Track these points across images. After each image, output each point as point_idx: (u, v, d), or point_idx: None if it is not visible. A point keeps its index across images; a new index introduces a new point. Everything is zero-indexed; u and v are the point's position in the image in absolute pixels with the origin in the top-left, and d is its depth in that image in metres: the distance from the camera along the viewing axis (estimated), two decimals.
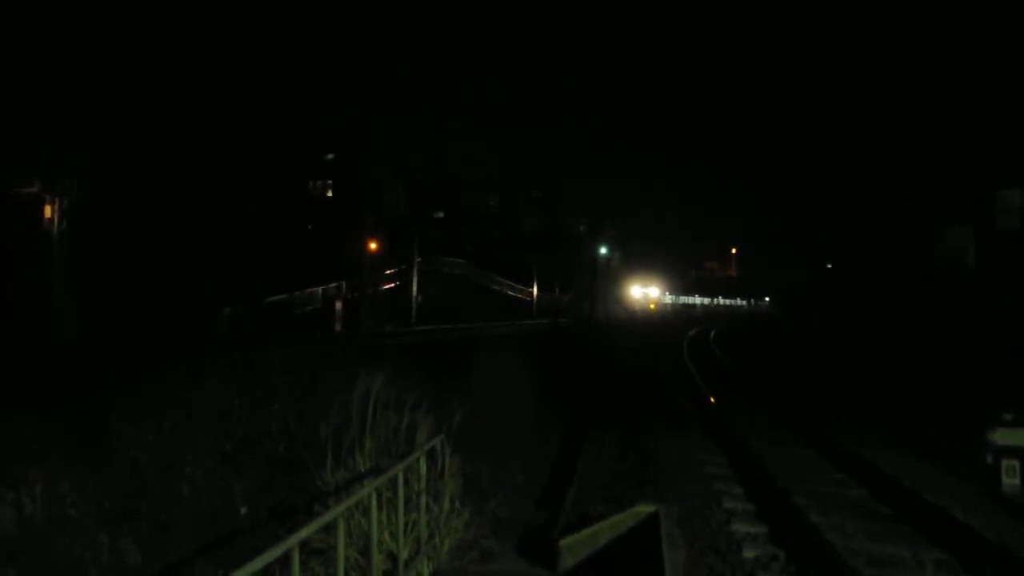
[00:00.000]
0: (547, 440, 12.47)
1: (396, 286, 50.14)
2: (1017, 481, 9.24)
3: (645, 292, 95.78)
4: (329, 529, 4.57)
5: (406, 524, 5.83)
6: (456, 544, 6.62)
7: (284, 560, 3.53)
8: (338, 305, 43.12)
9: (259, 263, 36.35)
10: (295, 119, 41.69)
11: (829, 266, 75.07)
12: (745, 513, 8.50)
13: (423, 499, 6.21)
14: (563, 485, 9.34)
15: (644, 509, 7.10)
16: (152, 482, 6.67)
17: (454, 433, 7.01)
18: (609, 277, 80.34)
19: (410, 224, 52.08)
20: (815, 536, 7.26)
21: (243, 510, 6.78)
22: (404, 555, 5.74)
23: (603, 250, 73.08)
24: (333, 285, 44.14)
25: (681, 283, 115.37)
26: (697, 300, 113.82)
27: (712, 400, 17.46)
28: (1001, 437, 9.39)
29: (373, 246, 44.85)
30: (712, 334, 49.48)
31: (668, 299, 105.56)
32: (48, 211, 22.95)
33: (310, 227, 47.05)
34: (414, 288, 48.15)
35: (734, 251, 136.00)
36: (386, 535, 5.78)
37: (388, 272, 49.63)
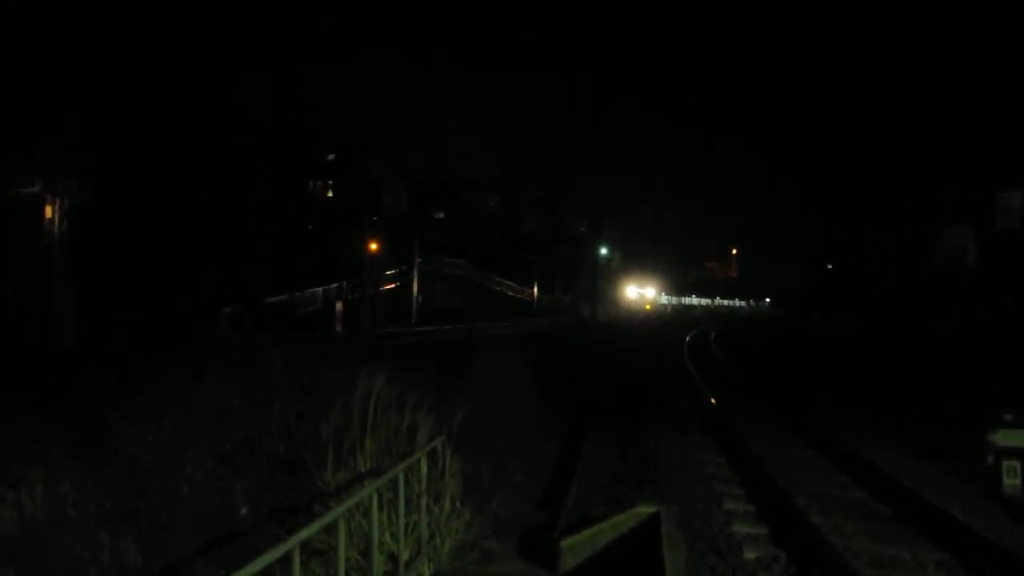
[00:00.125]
0: (547, 440, 12.46)
1: (397, 286, 50.14)
2: (1018, 482, 9.24)
3: (641, 292, 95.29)
4: (330, 530, 4.57)
5: (407, 525, 5.82)
6: (457, 545, 6.62)
7: (285, 561, 3.52)
8: (338, 305, 43.11)
9: (259, 263, 36.34)
10: (295, 119, 41.68)
11: (830, 266, 75.06)
12: (746, 514, 8.49)
13: (424, 500, 6.20)
14: (564, 485, 9.33)
15: (645, 510, 7.09)
16: (152, 482, 6.67)
17: (455, 434, 7.00)
18: (609, 278, 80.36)
19: (410, 224, 52.10)
20: (816, 537, 7.25)
21: (243, 510, 6.77)
22: (405, 556, 5.74)
23: (603, 250, 73.08)
24: (334, 285, 44.13)
25: (681, 283, 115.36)
26: (697, 301, 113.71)
27: (712, 400, 17.46)
28: (1002, 438, 9.39)
29: (373, 246, 44.84)
30: (712, 335, 49.46)
31: (666, 300, 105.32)
32: (49, 211, 22.94)
33: (310, 227, 47.03)
34: (415, 288, 48.15)
35: (734, 251, 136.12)
36: (387, 536, 5.77)
37: (388, 272, 49.64)
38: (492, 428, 10.29)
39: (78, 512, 5.77)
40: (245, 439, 7.60)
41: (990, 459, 9.42)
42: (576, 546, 6.67)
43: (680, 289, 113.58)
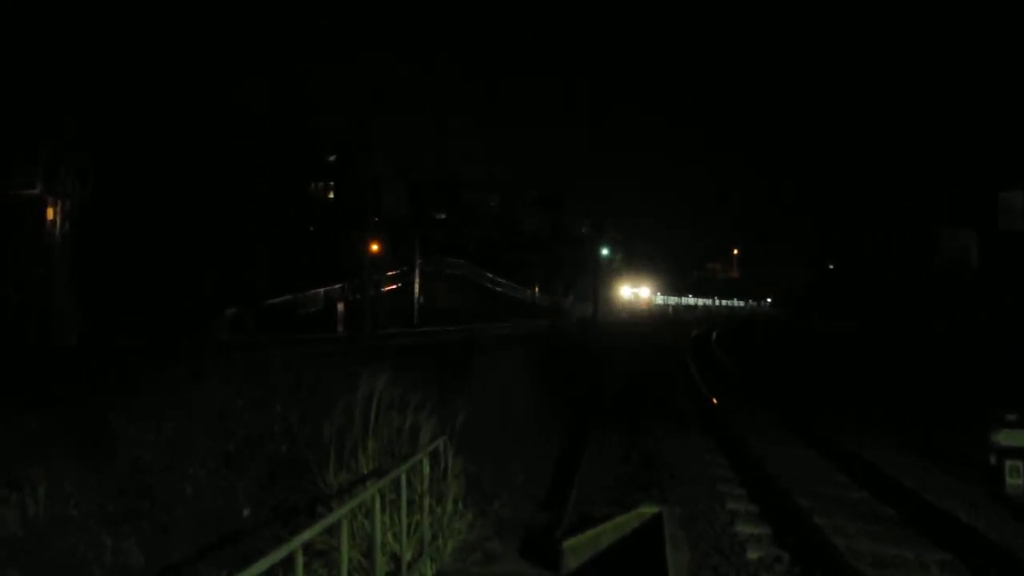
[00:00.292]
0: (549, 440, 12.46)
1: (398, 287, 50.10)
2: (1020, 482, 9.22)
3: (636, 292, 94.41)
4: (332, 531, 4.56)
5: (409, 525, 5.81)
6: (459, 546, 6.61)
7: (287, 562, 3.52)
8: (340, 306, 43.05)
9: (260, 264, 36.32)
10: (295, 119, 41.66)
11: (831, 266, 75.07)
12: (748, 514, 8.48)
13: (426, 500, 6.19)
14: (566, 486, 9.32)
15: (647, 510, 7.08)
16: (154, 482, 6.66)
17: (457, 434, 7.00)
18: (611, 278, 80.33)
19: (411, 225, 52.06)
20: (818, 537, 7.24)
21: (246, 511, 6.76)
22: (407, 557, 5.73)
23: (605, 251, 73.06)
24: (335, 286, 44.08)
25: (683, 284, 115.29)
26: (699, 301, 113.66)
27: (713, 400, 17.45)
28: (1004, 438, 9.37)
29: (375, 247, 44.80)
30: (714, 335, 49.44)
31: (662, 299, 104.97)
32: (50, 213, 22.90)
33: (311, 228, 47.00)
34: (416, 289, 48.12)
35: (735, 252, 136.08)
36: (389, 537, 5.76)
37: (390, 273, 49.59)
38: (494, 428, 10.28)
39: (80, 513, 5.76)
40: (247, 439, 7.59)
41: (993, 459, 9.41)
42: (579, 547, 6.66)
43: (682, 289, 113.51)
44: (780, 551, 7.21)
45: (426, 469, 6.26)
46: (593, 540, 6.76)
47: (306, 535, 3.72)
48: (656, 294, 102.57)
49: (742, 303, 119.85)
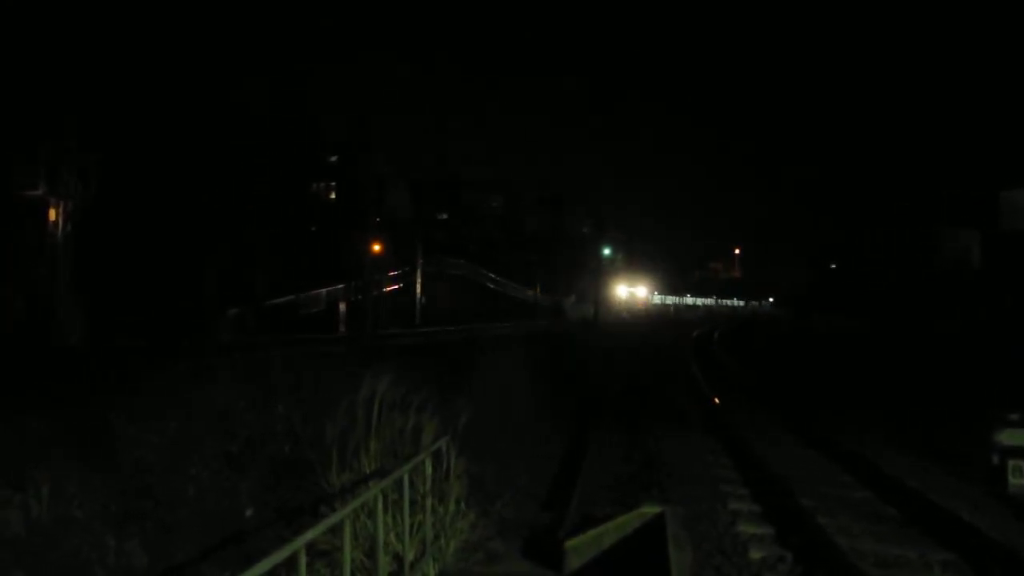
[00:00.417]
0: (551, 440, 12.45)
1: (400, 287, 50.11)
2: (1023, 482, 9.21)
3: (632, 291, 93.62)
4: (335, 531, 4.56)
5: (412, 526, 5.82)
6: (462, 546, 6.61)
7: (290, 561, 3.52)
8: (342, 307, 43.09)
9: (262, 264, 36.34)
10: (296, 119, 41.68)
11: (833, 266, 75.07)
12: (751, 514, 8.48)
13: (429, 501, 6.20)
14: (568, 486, 9.32)
15: (650, 510, 7.08)
16: (157, 483, 6.67)
17: (459, 435, 7.00)
18: (612, 278, 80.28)
19: (413, 225, 52.09)
20: (821, 537, 7.24)
21: (248, 511, 6.77)
22: (410, 557, 5.73)
23: (607, 251, 73.06)
24: (337, 287, 44.11)
25: (684, 283, 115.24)
26: (701, 301, 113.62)
27: (716, 400, 17.45)
28: (1007, 438, 9.35)
29: (376, 247, 44.82)
30: (716, 335, 49.42)
31: (664, 300, 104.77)
32: (52, 214, 22.95)
33: (313, 228, 47.02)
34: (418, 289, 48.13)
35: (737, 251, 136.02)
36: (392, 537, 5.76)
37: (392, 273, 49.60)
38: (496, 428, 10.29)
39: (84, 513, 5.77)
40: (249, 440, 7.61)
41: (995, 459, 9.39)
42: (581, 547, 6.66)
43: (683, 289, 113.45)
44: (783, 551, 7.21)
45: (428, 469, 6.26)
46: (595, 540, 6.75)
47: (309, 535, 3.72)
48: (653, 293, 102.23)
49: (742, 303, 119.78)
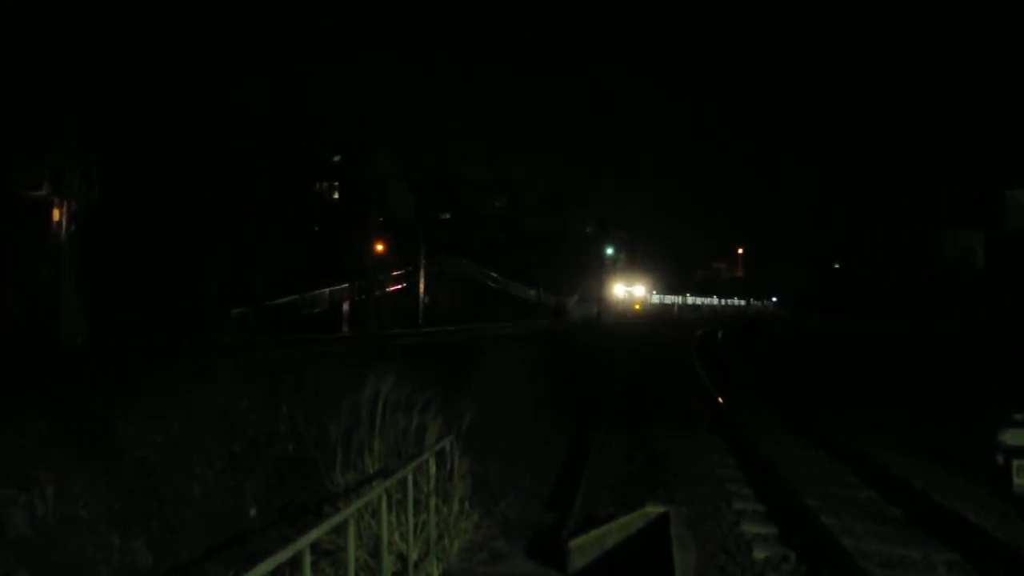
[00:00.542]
0: (554, 440, 12.45)
1: (402, 287, 50.13)
2: None
3: (629, 291, 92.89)
4: (339, 530, 4.57)
5: (416, 525, 5.82)
6: (466, 545, 6.62)
7: (294, 561, 3.52)
8: (345, 307, 43.11)
9: (265, 265, 36.36)
10: (296, 119, 41.69)
11: (836, 266, 75.02)
12: (755, 514, 8.47)
13: (433, 500, 6.20)
14: (571, 486, 9.31)
15: (653, 510, 7.07)
16: (162, 483, 6.69)
17: (463, 435, 7.00)
18: (615, 278, 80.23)
19: (416, 225, 52.11)
20: (826, 537, 7.23)
21: (253, 511, 6.78)
22: (414, 556, 5.74)
23: (609, 250, 73.05)
24: (339, 287, 44.14)
25: (687, 283, 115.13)
26: (703, 300, 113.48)
27: (720, 400, 17.44)
28: (1012, 437, 9.33)
29: (379, 247, 44.85)
30: (719, 334, 49.37)
31: (662, 299, 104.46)
32: (56, 214, 22.97)
33: (316, 228, 47.05)
34: (421, 289, 48.14)
35: (740, 251, 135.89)
36: (396, 536, 5.77)
37: (395, 273, 49.62)
38: (499, 428, 10.29)
39: (89, 513, 5.78)
40: (254, 440, 7.62)
41: (1000, 459, 9.37)
42: (585, 546, 6.66)
43: (686, 289, 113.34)
44: (787, 551, 7.20)
45: (432, 469, 6.27)
46: (599, 540, 6.75)
47: (313, 535, 3.73)
48: (652, 293, 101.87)
49: (747, 302, 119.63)
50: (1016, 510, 8.67)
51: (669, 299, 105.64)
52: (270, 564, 3.23)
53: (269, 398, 8.65)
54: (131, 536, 5.81)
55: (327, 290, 43.38)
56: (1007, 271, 42.00)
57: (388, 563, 5.20)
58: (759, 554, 7.14)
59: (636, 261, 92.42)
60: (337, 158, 50.60)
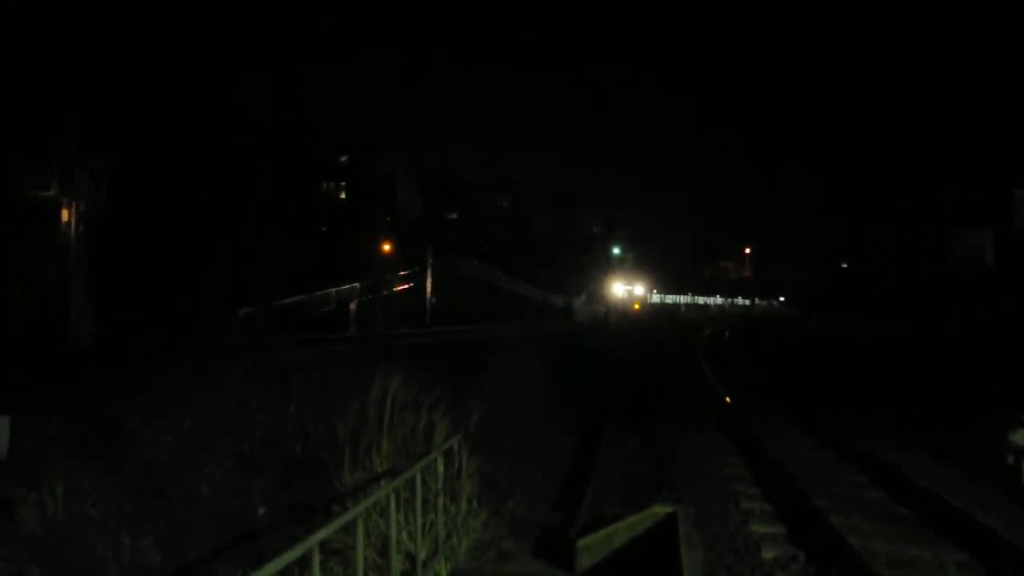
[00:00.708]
0: (563, 439, 12.44)
1: (410, 287, 50.20)
2: None
3: (629, 290, 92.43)
4: (348, 529, 4.57)
5: (424, 524, 5.83)
6: (474, 544, 6.62)
7: (303, 560, 3.53)
8: (352, 307, 43.19)
9: (272, 265, 36.46)
10: (297, 119, 41.77)
11: (844, 265, 74.77)
12: (763, 513, 8.45)
13: (441, 500, 6.20)
14: (579, 486, 9.31)
15: (661, 510, 7.06)
16: (171, 482, 6.71)
17: (471, 434, 7.00)
18: (623, 278, 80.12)
19: (423, 225, 52.20)
20: (834, 536, 7.20)
21: (261, 510, 6.80)
22: (422, 555, 5.74)
23: (616, 250, 73.00)
24: (347, 287, 44.25)
25: (694, 283, 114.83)
26: (711, 300, 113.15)
27: (727, 400, 17.40)
28: (1021, 438, 9.30)
29: (387, 247, 44.93)
30: (727, 334, 49.26)
31: (662, 299, 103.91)
32: (65, 215, 23.06)
33: (323, 228, 47.17)
34: (428, 289, 48.19)
35: (747, 251, 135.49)
36: (404, 535, 5.78)
37: (402, 273, 49.70)
38: (507, 428, 10.29)
39: (99, 512, 5.81)
40: (262, 440, 7.64)
41: (1010, 459, 9.33)
42: (592, 546, 6.65)
43: (694, 288, 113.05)
44: (796, 550, 7.18)
45: (440, 468, 6.27)
46: (607, 539, 6.74)
47: (322, 534, 3.73)
48: (653, 292, 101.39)
49: (753, 302, 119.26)
50: None
51: (670, 299, 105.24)
52: (280, 563, 3.23)
53: (278, 398, 8.68)
54: (141, 534, 5.83)
55: (334, 290, 43.49)
56: (1017, 271, 41.78)
57: (396, 562, 5.21)
58: (767, 554, 7.12)
59: (643, 261, 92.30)
60: (344, 158, 50.71)
